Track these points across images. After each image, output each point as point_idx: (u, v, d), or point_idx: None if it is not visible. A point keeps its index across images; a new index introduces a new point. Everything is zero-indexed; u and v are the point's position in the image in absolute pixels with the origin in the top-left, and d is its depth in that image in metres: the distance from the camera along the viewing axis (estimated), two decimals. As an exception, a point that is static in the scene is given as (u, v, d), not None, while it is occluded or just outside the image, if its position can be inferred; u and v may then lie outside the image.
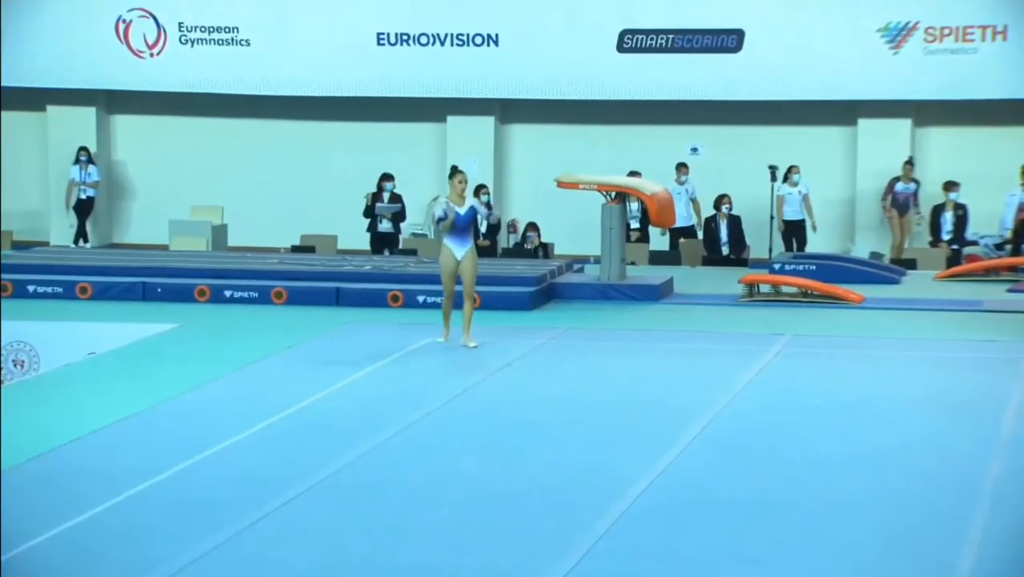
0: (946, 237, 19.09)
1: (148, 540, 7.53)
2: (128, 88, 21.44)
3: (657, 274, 16.48)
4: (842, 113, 20.29)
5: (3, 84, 20.27)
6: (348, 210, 20.22)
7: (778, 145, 20.15)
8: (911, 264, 18.17)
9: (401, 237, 19.77)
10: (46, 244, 21.22)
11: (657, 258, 18.72)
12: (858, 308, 15.12)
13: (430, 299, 14.65)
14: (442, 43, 20.63)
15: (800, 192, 19.47)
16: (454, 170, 12.74)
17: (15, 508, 7.81)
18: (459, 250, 12.53)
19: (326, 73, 20.81)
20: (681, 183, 19.78)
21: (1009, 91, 19.44)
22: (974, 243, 19.06)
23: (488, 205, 18.64)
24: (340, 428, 9.85)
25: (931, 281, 17.08)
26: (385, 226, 19.50)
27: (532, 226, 19.32)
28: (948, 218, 19.12)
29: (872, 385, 11.30)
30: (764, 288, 15.68)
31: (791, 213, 19.43)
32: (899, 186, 19.60)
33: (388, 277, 15.60)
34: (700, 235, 19.57)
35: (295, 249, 19.18)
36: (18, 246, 19.64)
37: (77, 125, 21.76)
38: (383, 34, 20.74)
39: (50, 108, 21.92)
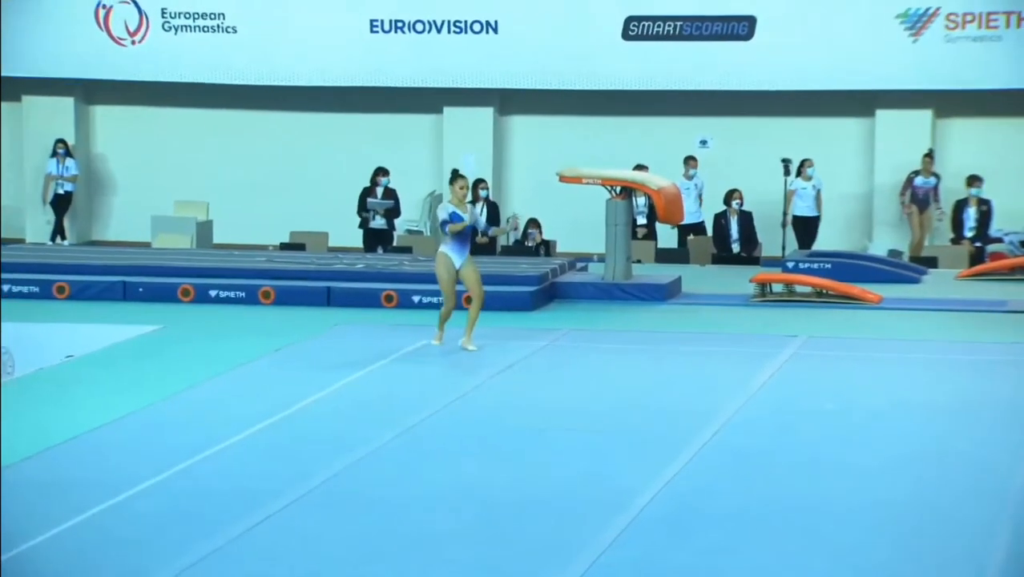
0: (969, 234, 19.10)
1: (126, 555, 7.53)
2: (108, 77, 21.43)
3: (664, 273, 16.48)
4: (859, 104, 20.30)
5: (-24, 73, 20.30)
6: (339, 206, 20.23)
7: (791, 137, 20.15)
8: (932, 262, 18.17)
9: (395, 234, 19.77)
10: (21, 241, 21.22)
11: (664, 256, 18.73)
12: (876, 309, 15.12)
13: (425, 299, 14.65)
14: (439, 30, 20.63)
15: (814, 187, 19.47)
16: (455, 175, 12.75)
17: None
18: (458, 258, 12.54)
19: (316, 62, 20.81)
20: (689, 177, 19.79)
21: (1035, 80, 19.46)
22: (998, 240, 19.06)
23: (490, 203, 18.65)
24: (332, 434, 9.86)
25: (953, 280, 17.08)
26: (378, 223, 19.50)
27: (533, 223, 19.32)
28: (971, 214, 19.13)
29: (890, 390, 11.30)
30: (777, 288, 15.69)
31: (803, 209, 19.44)
32: (918, 180, 19.60)
33: (381, 276, 15.61)
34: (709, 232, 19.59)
35: (284, 247, 19.18)
36: (-8, 243, 19.64)
37: (54, 116, 21.76)
38: (376, 21, 20.74)
39: (25, 98, 21.92)
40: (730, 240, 19.19)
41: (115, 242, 21.46)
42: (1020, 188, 19.32)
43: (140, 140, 21.98)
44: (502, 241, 19.61)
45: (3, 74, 21.07)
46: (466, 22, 20.57)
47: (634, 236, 18.37)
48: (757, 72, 19.92)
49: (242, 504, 8.21)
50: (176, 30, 21.12)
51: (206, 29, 21.06)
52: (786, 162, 19.10)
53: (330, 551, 7.57)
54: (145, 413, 10.42)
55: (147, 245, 19.34)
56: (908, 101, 20.04)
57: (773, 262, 18.01)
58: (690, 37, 20.14)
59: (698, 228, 19.70)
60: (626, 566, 7.33)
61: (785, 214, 19.19)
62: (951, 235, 19.37)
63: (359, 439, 9.61)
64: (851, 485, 8.72)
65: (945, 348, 13.02)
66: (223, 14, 21.00)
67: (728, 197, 19.27)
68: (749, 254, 19.00)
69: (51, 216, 21.35)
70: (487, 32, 20.55)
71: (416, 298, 14.89)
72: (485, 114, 21.15)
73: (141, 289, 15.40)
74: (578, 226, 19.34)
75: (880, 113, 20.32)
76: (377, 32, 20.74)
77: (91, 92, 22.04)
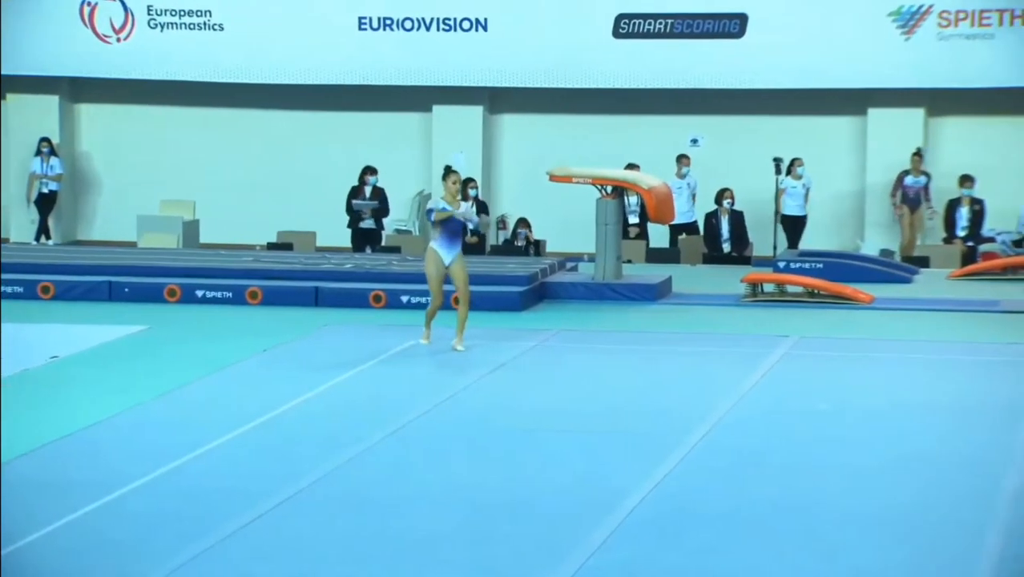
0: (961, 233, 19.16)
1: (116, 555, 7.55)
2: (93, 75, 21.42)
3: (655, 273, 16.53)
4: (851, 102, 20.35)
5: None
6: (327, 205, 20.24)
7: (783, 136, 20.19)
8: (924, 262, 18.23)
9: (384, 233, 19.79)
10: (6, 241, 21.19)
11: (655, 256, 18.77)
12: (867, 309, 15.17)
13: (414, 299, 14.68)
14: (428, 28, 20.65)
15: (804, 186, 19.52)
16: (447, 171, 12.77)
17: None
18: (447, 255, 12.55)
19: (304, 60, 20.81)
20: (682, 176, 19.82)
21: (1027, 79, 19.52)
22: (991, 240, 19.12)
23: (479, 202, 18.68)
24: (321, 435, 9.88)
25: (945, 280, 17.14)
26: (367, 222, 19.52)
27: (523, 222, 19.35)
28: (963, 213, 19.19)
29: (882, 390, 11.35)
30: (768, 287, 15.73)
31: (792, 208, 19.48)
32: (908, 180, 19.66)
33: (370, 276, 15.63)
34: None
35: (271, 246, 19.20)
36: (-24, 243, 19.62)
37: (38, 114, 21.73)
38: (365, 18, 20.75)
39: (9, 96, 21.89)
40: (721, 240, 19.23)
41: (100, 242, 21.45)
42: (1013, 187, 19.38)
43: (126, 138, 21.97)
44: (491, 240, 19.64)
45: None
46: (455, 20, 20.59)
47: (626, 235, 18.43)
48: (748, 70, 19.96)
49: (232, 504, 8.23)
50: (162, 27, 21.11)
51: (192, 26, 21.05)
52: (777, 161, 19.15)
53: (320, 551, 7.60)
54: (133, 413, 10.43)
55: (133, 245, 19.34)
56: (900, 99, 20.09)
57: (764, 262, 18.06)
58: (681, 35, 20.18)
59: (691, 228, 19.73)
60: (616, 567, 7.36)
61: (777, 213, 19.24)
62: (943, 234, 19.43)
63: (349, 440, 9.64)
64: (843, 485, 8.76)
65: (937, 348, 13.07)
66: (210, 11, 20.99)
67: (719, 196, 19.32)
68: (740, 254, 19.04)
69: (35, 215, 21.32)
70: (477, 30, 20.57)
71: (404, 298, 14.92)
72: (474, 112, 21.16)
73: (127, 289, 15.40)
74: (568, 226, 19.38)
75: (872, 111, 20.37)
76: (366, 30, 20.74)
77: (76, 90, 22.02)
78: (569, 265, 16.90)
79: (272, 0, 20.88)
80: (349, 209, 19.58)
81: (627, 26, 20.33)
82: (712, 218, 19.35)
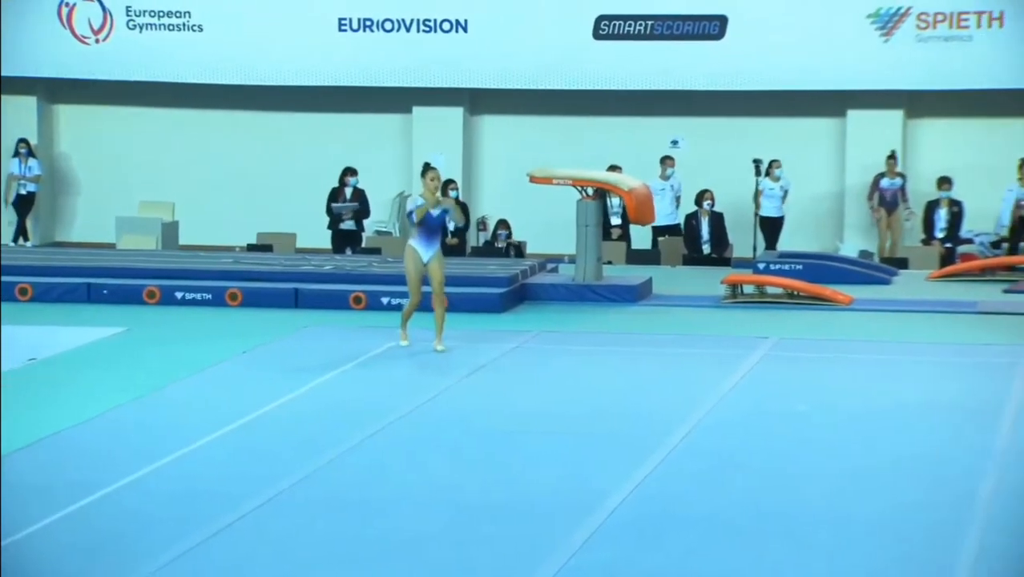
0: (940, 235, 19.25)
1: (97, 557, 7.54)
2: (72, 76, 21.37)
3: (635, 274, 16.57)
4: (830, 103, 20.43)
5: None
6: (307, 207, 20.23)
7: (763, 137, 20.27)
8: (903, 263, 18.31)
9: (364, 235, 19.79)
10: (-16, 242, 21.14)
11: (635, 257, 18.81)
12: (847, 310, 15.23)
13: (394, 301, 14.69)
14: (408, 29, 20.66)
15: (782, 188, 19.58)
16: (426, 167, 12.78)
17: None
18: (426, 252, 12.57)
19: (284, 60, 20.80)
20: (666, 178, 19.85)
21: (1005, 80, 19.60)
22: (969, 241, 19.22)
23: (460, 203, 18.70)
24: (302, 437, 9.88)
25: (924, 281, 17.22)
26: (347, 224, 19.52)
27: (503, 223, 19.38)
28: (942, 215, 19.28)
29: (862, 392, 11.40)
30: (748, 289, 15.78)
31: (770, 209, 19.53)
32: (884, 182, 19.74)
33: (350, 278, 15.63)
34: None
35: (251, 248, 19.18)
36: (-47, 245, 19.56)
37: (16, 115, 21.66)
38: (345, 19, 20.76)
39: (-12, 97, 21.84)
40: (701, 241, 19.28)
41: (79, 243, 21.40)
42: (991, 188, 19.48)
43: (104, 140, 21.92)
44: (472, 242, 19.66)
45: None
46: (436, 21, 20.61)
47: (608, 237, 18.47)
48: (728, 72, 20.02)
49: (213, 506, 8.24)
50: (141, 28, 21.07)
51: (171, 27, 21.02)
52: (757, 162, 19.21)
53: (302, 553, 7.61)
54: (112, 415, 10.42)
55: (112, 246, 19.30)
56: (879, 101, 20.18)
57: (744, 263, 18.11)
58: (661, 37, 20.23)
59: (673, 229, 19.77)
60: (596, 569, 7.39)
61: (756, 215, 19.30)
62: (922, 236, 19.52)
63: (330, 441, 9.64)
64: (822, 487, 8.80)
65: (916, 349, 13.13)
66: (189, 12, 20.97)
67: (699, 198, 19.37)
68: (720, 255, 19.09)
69: (13, 217, 21.28)
70: (457, 31, 20.58)
71: (385, 300, 14.92)
72: (455, 114, 21.18)
73: (106, 291, 15.37)
74: (549, 227, 19.40)
75: (851, 113, 20.46)
76: (346, 31, 20.75)
77: (54, 91, 21.96)
78: (550, 267, 16.94)
79: (252, 1, 20.87)
80: (329, 210, 19.58)
81: (607, 28, 20.38)
82: (692, 219, 19.40)
